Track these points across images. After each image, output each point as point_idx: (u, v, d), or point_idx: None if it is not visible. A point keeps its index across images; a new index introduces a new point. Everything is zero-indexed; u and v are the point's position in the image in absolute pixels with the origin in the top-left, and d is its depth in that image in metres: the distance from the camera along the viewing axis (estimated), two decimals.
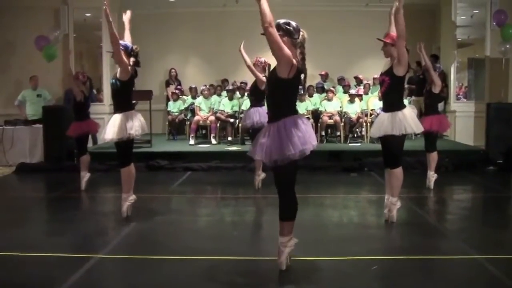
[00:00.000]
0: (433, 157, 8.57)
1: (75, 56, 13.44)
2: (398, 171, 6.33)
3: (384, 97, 6.45)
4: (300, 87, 4.68)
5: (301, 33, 4.54)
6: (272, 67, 4.62)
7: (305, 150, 4.43)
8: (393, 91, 6.25)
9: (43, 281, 4.63)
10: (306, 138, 4.46)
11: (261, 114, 7.96)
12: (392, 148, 6.31)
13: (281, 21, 4.51)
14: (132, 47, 6.68)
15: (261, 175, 8.45)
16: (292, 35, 4.48)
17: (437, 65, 8.86)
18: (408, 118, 6.20)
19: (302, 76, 4.61)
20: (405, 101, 9.33)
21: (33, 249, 5.46)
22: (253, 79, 8.40)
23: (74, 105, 8.74)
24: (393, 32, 6.24)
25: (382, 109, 6.52)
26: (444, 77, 10.03)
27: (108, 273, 4.95)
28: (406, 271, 4.84)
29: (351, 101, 13.08)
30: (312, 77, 14.46)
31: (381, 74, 6.45)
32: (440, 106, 8.81)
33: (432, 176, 8.57)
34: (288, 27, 4.48)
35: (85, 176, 8.77)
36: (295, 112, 4.61)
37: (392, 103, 6.29)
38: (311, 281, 4.57)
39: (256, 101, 8.30)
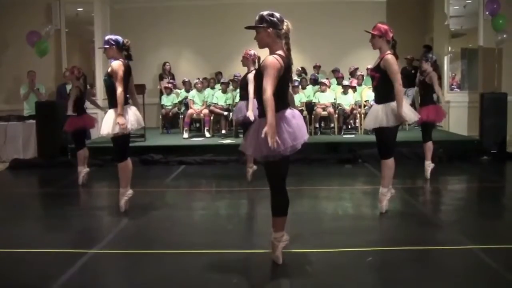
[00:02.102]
0: (429, 146, 8.59)
1: (67, 51, 13.41)
2: (390, 162, 6.36)
3: (376, 90, 6.46)
4: (296, 79, 4.63)
5: (285, 23, 4.46)
6: (262, 60, 4.54)
7: (296, 146, 4.40)
8: (385, 85, 6.21)
9: (38, 277, 4.61)
10: (297, 133, 4.42)
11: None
12: (385, 139, 6.31)
13: (265, 12, 4.43)
14: (123, 41, 6.64)
15: (252, 168, 8.48)
16: (277, 27, 4.40)
17: (429, 55, 8.85)
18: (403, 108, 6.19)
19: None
20: None
21: (28, 245, 5.44)
22: (245, 72, 8.39)
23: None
24: (382, 24, 6.28)
25: (375, 101, 6.52)
26: (437, 67, 10.03)
27: (103, 268, 4.93)
28: (401, 262, 4.84)
29: (345, 92, 13.07)
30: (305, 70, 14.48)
31: (372, 70, 6.48)
32: (434, 96, 8.82)
33: (428, 165, 8.59)
34: (272, 19, 4.40)
35: (83, 171, 8.75)
36: (286, 105, 4.54)
37: (384, 96, 6.27)
38: (306, 274, 4.56)
39: (246, 95, 8.26)
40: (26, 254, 5.22)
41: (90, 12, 13.51)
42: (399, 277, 4.50)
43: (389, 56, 6.13)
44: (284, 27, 4.45)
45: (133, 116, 6.62)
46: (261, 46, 4.49)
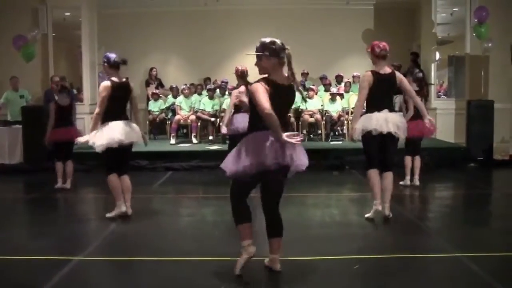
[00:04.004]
0: (408, 160, 8.69)
1: (54, 56, 13.31)
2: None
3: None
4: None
5: (287, 51, 4.41)
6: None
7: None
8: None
9: (23, 284, 4.56)
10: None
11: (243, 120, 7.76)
12: (394, 149, 6.53)
13: (267, 40, 4.41)
14: (114, 59, 6.59)
15: None
16: (278, 55, 4.38)
17: (416, 70, 8.95)
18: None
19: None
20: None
21: (13, 252, 5.38)
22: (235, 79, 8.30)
23: (57, 113, 8.66)
24: None
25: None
26: (424, 76, 10.10)
27: (88, 275, 4.88)
28: (388, 270, 4.84)
29: (332, 99, 13.09)
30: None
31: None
32: None
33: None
34: (274, 47, 4.37)
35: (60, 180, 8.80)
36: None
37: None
38: (293, 281, 4.54)
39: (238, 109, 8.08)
40: (11, 260, 5.16)
41: (77, 16, 13.40)
42: (386, 285, 4.49)
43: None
44: (286, 54, 4.42)
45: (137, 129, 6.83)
46: (262, 72, 4.47)
